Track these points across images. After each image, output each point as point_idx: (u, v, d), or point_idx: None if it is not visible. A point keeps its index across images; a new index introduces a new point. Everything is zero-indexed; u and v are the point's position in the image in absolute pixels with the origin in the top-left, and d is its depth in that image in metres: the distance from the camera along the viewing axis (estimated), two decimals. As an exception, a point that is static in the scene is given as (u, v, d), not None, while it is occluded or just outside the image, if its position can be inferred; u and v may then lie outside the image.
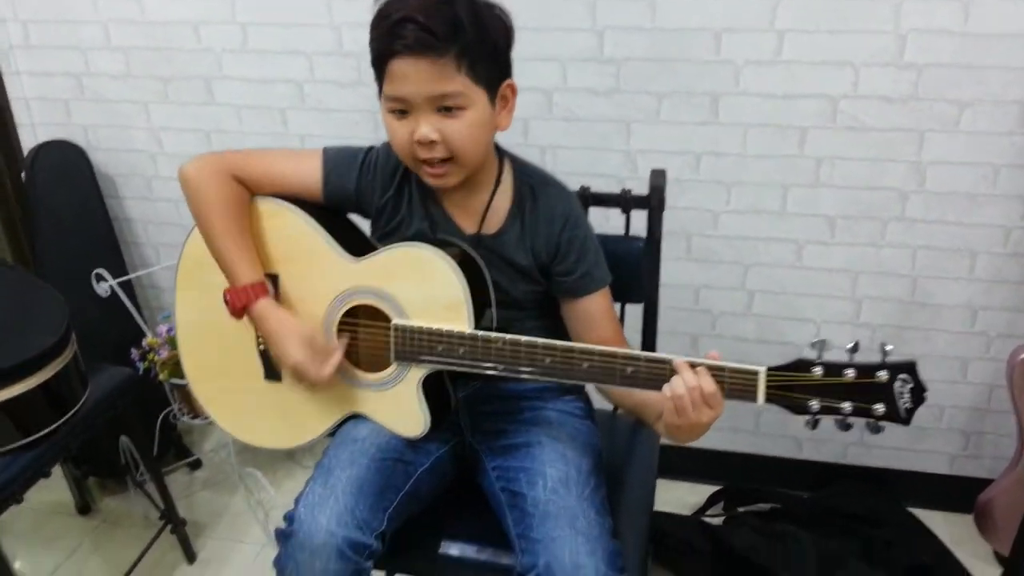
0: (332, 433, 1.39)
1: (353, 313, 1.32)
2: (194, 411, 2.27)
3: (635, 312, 1.60)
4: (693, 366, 1.12)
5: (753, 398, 1.11)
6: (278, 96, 2.15)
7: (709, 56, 1.86)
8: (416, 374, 1.28)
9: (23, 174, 2.26)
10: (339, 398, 1.35)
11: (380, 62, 1.20)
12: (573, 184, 1.45)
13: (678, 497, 2.21)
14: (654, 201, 1.52)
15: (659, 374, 1.14)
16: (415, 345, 1.25)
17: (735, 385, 1.11)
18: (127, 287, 2.28)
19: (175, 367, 2.14)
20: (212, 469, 2.46)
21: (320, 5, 2.01)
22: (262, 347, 1.38)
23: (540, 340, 1.19)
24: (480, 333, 1.21)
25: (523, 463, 1.31)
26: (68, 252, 2.26)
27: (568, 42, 1.91)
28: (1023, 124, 1.79)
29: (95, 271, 2.20)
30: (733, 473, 2.24)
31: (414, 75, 1.16)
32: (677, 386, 1.11)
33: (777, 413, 1.13)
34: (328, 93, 2.11)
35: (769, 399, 1.11)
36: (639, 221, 1.56)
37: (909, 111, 1.82)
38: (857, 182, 1.91)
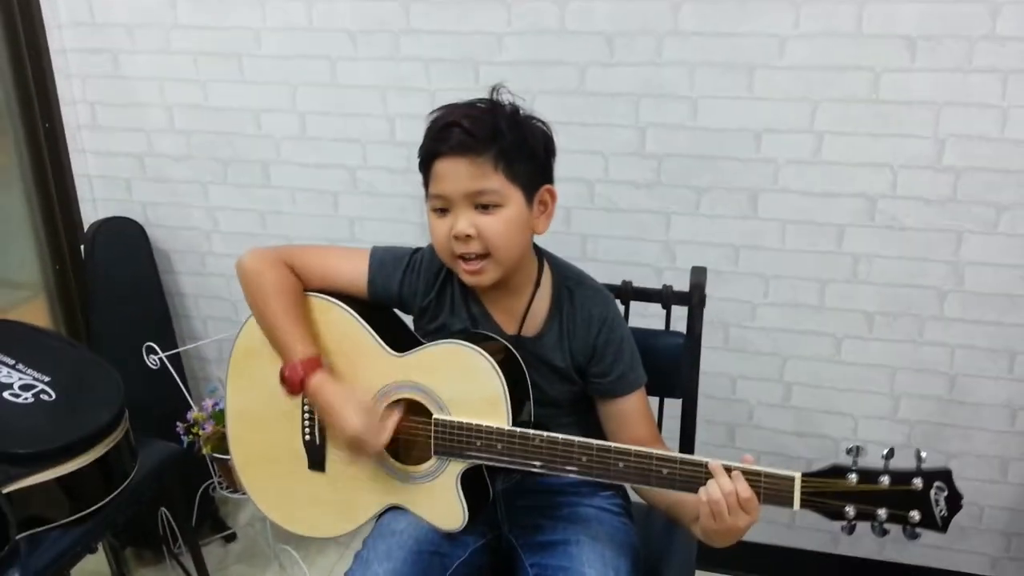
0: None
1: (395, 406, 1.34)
2: (234, 485, 2.28)
3: (674, 405, 1.61)
4: (728, 470, 1.14)
5: (789, 503, 1.12)
6: (331, 180, 2.22)
7: (749, 155, 1.90)
8: (455, 468, 1.29)
9: (83, 248, 2.33)
10: (379, 490, 1.37)
11: (426, 163, 1.28)
12: (612, 274, 1.48)
13: (712, 591, 2.18)
14: (695, 298, 1.53)
15: (694, 477, 1.16)
16: (455, 439, 1.28)
17: (770, 490, 1.13)
18: (175, 359, 2.33)
19: (219, 441, 2.16)
20: (247, 542, 2.46)
21: (376, 97, 2.10)
22: (307, 437, 1.41)
23: (576, 439, 1.22)
24: (518, 430, 1.24)
25: (561, 562, 1.31)
26: (122, 324, 2.31)
27: (611, 137, 1.97)
28: (1062, 228, 1.80)
29: (146, 344, 2.24)
30: (767, 566, 2.21)
31: (454, 173, 1.24)
32: (713, 491, 1.13)
33: (812, 510, 1.13)
34: (379, 179, 2.18)
35: (804, 504, 1.12)
36: (678, 312, 1.58)
37: (947, 212, 1.84)
38: (895, 279, 1.92)
